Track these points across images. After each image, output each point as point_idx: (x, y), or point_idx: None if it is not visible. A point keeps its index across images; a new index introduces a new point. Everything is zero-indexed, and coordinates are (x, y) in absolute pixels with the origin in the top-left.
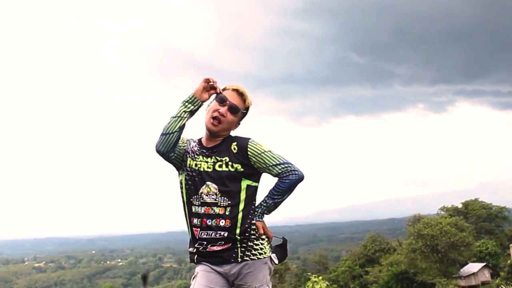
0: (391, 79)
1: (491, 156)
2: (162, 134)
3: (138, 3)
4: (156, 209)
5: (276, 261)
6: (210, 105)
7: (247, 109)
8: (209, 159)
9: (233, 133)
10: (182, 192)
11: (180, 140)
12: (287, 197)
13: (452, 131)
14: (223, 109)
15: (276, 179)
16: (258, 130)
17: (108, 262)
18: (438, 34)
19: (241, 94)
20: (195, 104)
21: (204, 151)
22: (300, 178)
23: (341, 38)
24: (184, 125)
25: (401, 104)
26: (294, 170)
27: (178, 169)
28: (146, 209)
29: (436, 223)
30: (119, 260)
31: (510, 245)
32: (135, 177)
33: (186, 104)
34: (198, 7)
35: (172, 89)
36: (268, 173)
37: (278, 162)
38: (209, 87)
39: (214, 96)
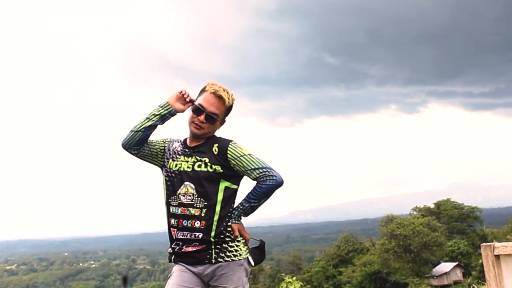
0: (365, 80)
1: (462, 157)
2: (130, 131)
3: (111, 4)
4: (130, 210)
5: (252, 263)
6: (189, 110)
7: (230, 106)
8: (189, 159)
9: (219, 133)
10: (163, 192)
11: (160, 141)
12: (264, 201)
13: (424, 132)
14: (200, 118)
15: (255, 183)
16: (232, 131)
17: (81, 264)
18: (411, 35)
19: (220, 98)
20: (166, 109)
21: (187, 150)
22: (278, 184)
23: (315, 39)
24: (151, 126)
25: (374, 105)
26: (272, 175)
27: (161, 168)
28: (119, 210)
29: (409, 223)
30: (92, 262)
31: (481, 245)
32: (108, 178)
33: (159, 108)
34: (172, 8)
35: (146, 90)
36: (247, 176)
37: (256, 166)
38: (183, 99)
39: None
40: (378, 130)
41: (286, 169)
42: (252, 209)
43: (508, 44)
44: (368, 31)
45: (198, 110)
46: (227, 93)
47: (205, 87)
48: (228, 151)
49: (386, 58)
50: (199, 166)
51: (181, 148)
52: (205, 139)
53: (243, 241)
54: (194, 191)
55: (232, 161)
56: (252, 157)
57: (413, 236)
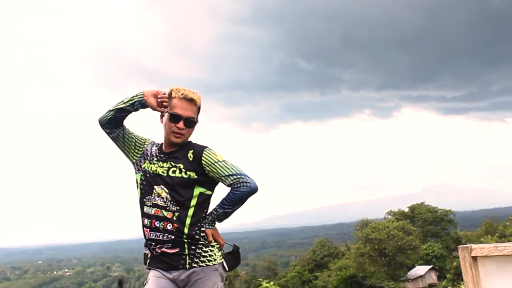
0: (339, 85)
1: (436, 161)
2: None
3: (83, 9)
4: (104, 217)
5: (226, 268)
6: (164, 120)
7: (199, 106)
8: (164, 164)
9: (193, 138)
10: (137, 191)
11: (141, 137)
12: (237, 208)
13: (398, 136)
14: (179, 125)
15: (228, 189)
16: (206, 136)
17: (55, 272)
18: (385, 40)
19: (191, 101)
20: (138, 98)
21: (162, 156)
22: (252, 190)
23: (288, 45)
24: (123, 109)
25: (348, 110)
26: (246, 182)
27: (134, 165)
28: (94, 218)
29: (384, 227)
30: (66, 270)
31: (459, 247)
32: (82, 185)
33: (134, 95)
34: (145, 13)
35: (119, 96)
36: (222, 182)
37: (231, 173)
38: (159, 101)
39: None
40: (352, 135)
41: (261, 175)
42: (225, 215)
43: (479, 48)
44: (341, 36)
45: (175, 118)
46: (194, 93)
47: (170, 93)
48: (203, 158)
49: (360, 63)
50: (174, 172)
51: (157, 153)
52: (181, 145)
53: (218, 246)
54: (168, 195)
55: (207, 168)
56: (227, 164)
57: (388, 240)
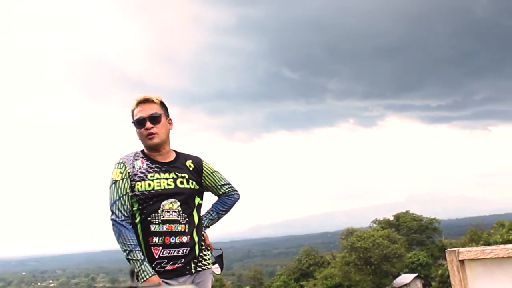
0: (324, 94)
1: (420, 169)
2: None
3: (65, 17)
4: (89, 227)
5: (219, 271)
6: (137, 132)
7: (161, 103)
8: (167, 175)
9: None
10: (132, 215)
11: (124, 188)
12: (227, 214)
13: (382, 145)
14: (147, 126)
15: (216, 198)
16: (190, 146)
17: (39, 283)
18: (369, 50)
19: (146, 101)
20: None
21: (160, 166)
22: (239, 198)
23: (273, 54)
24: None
25: (333, 119)
26: (236, 191)
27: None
28: (78, 228)
29: (369, 236)
30: (50, 282)
31: (446, 250)
32: (66, 195)
33: (141, 271)
34: (128, 23)
35: (103, 106)
36: (214, 191)
37: (225, 182)
38: None
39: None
40: (337, 144)
41: (245, 184)
42: (218, 219)
43: (463, 58)
44: (326, 46)
45: (140, 122)
46: (150, 95)
47: (132, 109)
48: (204, 168)
49: (345, 73)
50: (181, 183)
51: (149, 165)
52: (174, 154)
53: (208, 249)
54: (180, 207)
55: (206, 177)
56: (220, 174)
57: (373, 249)
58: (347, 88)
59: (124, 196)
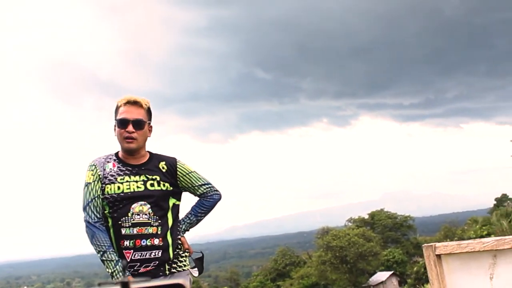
0: (297, 94)
1: (394, 168)
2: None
3: (34, 19)
4: (63, 232)
5: (196, 274)
6: (115, 129)
7: (148, 109)
8: (137, 178)
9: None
10: (104, 218)
11: (95, 190)
12: (207, 215)
13: (356, 144)
14: (129, 129)
15: (196, 198)
16: (164, 148)
17: None
18: (341, 49)
19: (135, 103)
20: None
21: (131, 169)
22: (220, 198)
23: (245, 55)
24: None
25: (306, 119)
26: (217, 190)
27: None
28: (52, 232)
29: (344, 235)
30: (25, 287)
31: (423, 245)
32: (39, 199)
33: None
34: (99, 23)
35: (76, 109)
36: (192, 192)
37: (203, 183)
38: None
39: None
40: (310, 143)
41: (220, 185)
42: (197, 223)
43: (434, 56)
44: (298, 46)
45: (122, 123)
46: (140, 98)
47: (117, 104)
48: (178, 168)
49: (317, 72)
50: (152, 185)
51: (120, 168)
52: (148, 156)
53: (187, 253)
54: (150, 210)
55: (181, 178)
56: (198, 174)
57: (348, 247)
58: (320, 88)
59: (96, 198)
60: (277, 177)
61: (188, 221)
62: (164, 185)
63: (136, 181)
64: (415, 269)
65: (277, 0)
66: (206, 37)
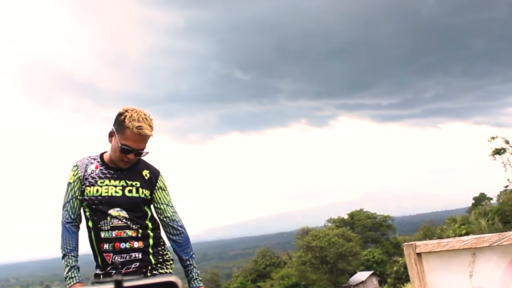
0: (276, 95)
1: (373, 168)
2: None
3: (9, 18)
4: (41, 234)
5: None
6: (114, 145)
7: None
8: (117, 182)
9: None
10: (86, 220)
11: (74, 194)
12: (187, 245)
13: (335, 144)
14: (130, 157)
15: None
16: None
17: None
18: (319, 50)
19: (145, 135)
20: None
21: (112, 172)
22: (185, 234)
23: (224, 56)
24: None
25: (285, 119)
26: (180, 221)
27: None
28: (30, 234)
29: (324, 235)
30: None
31: (404, 244)
32: (16, 201)
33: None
34: (76, 24)
35: (54, 111)
36: (159, 210)
37: (173, 205)
38: None
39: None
40: (289, 144)
41: (199, 187)
42: (194, 262)
43: (412, 56)
44: (277, 47)
45: (125, 151)
46: (149, 124)
47: (124, 120)
48: (159, 180)
49: (296, 73)
50: (130, 191)
51: (102, 170)
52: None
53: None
54: (127, 215)
55: (158, 190)
56: (170, 198)
57: (329, 247)
58: (299, 89)
59: (74, 199)
60: (257, 178)
61: (196, 271)
62: (143, 192)
63: (115, 186)
64: (395, 268)
65: (255, 1)
66: (184, 38)
